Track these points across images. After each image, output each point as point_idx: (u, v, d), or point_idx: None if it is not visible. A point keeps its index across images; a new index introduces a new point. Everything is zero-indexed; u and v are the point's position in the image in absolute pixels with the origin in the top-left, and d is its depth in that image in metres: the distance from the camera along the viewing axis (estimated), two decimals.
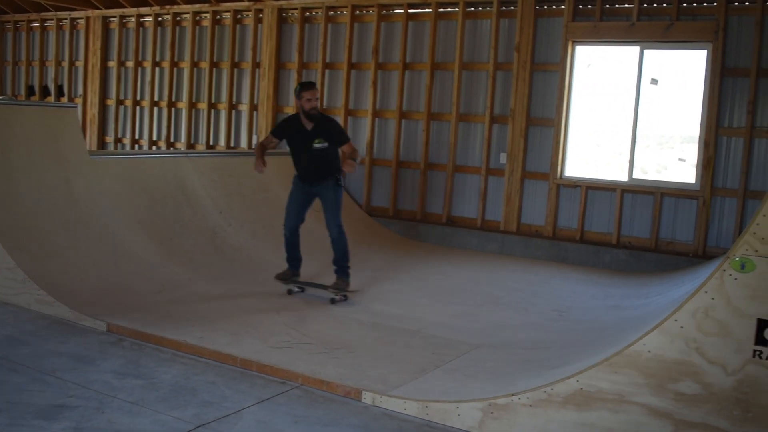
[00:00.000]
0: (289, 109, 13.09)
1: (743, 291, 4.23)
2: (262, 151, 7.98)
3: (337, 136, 7.91)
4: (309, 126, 7.80)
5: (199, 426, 4.62)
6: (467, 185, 11.63)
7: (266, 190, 10.51)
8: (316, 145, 7.77)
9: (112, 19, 15.24)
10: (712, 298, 4.30)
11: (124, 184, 8.87)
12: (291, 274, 8.18)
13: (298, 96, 7.77)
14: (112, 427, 4.51)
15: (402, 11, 11.96)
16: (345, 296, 7.88)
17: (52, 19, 16.15)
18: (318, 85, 12.56)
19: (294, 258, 8.19)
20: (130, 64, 15.05)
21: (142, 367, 5.65)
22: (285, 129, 8.08)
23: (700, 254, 9.84)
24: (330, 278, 8.04)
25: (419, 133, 11.92)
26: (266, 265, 8.72)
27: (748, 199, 9.59)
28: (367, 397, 5.19)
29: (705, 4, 9.87)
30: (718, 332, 4.28)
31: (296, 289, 8.15)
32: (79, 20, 15.72)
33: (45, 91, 16.17)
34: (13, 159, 7.90)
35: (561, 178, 10.84)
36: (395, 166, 12.12)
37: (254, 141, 13.39)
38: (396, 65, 12.07)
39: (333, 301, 7.78)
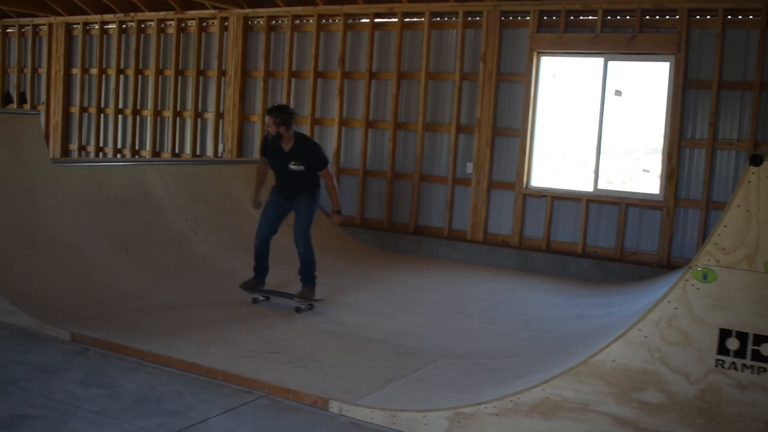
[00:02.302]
0: (256, 118, 13.05)
1: (705, 301, 4.29)
2: (259, 180, 8.31)
3: (313, 162, 7.90)
4: (287, 147, 7.88)
5: None
6: (434, 195, 11.66)
7: (232, 198, 10.45)
8: (292, 167, 7.83)
9: (75, 26, 15.08)
10: (675, 308, 4.35)
11: (88, 193, 8.73)
12: (256, 283, 8.16)
13: None
14: None
15: (368, 21, 11.98)
16: (311, 305, 7.92)
17: (14, 26, 15.93)
18: (284, 94, 12.58)
19: (261, 268, 8.17)
20: (94, 71, 14.89)
21: (106, 376, 5.59)
22: (267, 147, 8.09)
23: (665, 264, 9.96)
24: (297, 288, 8.03)
25: (386, 142, 11.94)
26: (232, 274, 8.65)
27: (711, 209, 9.74)
28: (334, 407, 5.17)
29: (667, 17, 10.02)
30: (681, 342, 4.34)
31: (261, 298, 8.14)
32: (41, 27, 15.51)
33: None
34: None
35: (527, 188, 10.92)
36: (362, 175, 12.12)
37: (220, 149, 13.32)
38: (362, 74, 12.08)
39: (298, 310, 7.82)
